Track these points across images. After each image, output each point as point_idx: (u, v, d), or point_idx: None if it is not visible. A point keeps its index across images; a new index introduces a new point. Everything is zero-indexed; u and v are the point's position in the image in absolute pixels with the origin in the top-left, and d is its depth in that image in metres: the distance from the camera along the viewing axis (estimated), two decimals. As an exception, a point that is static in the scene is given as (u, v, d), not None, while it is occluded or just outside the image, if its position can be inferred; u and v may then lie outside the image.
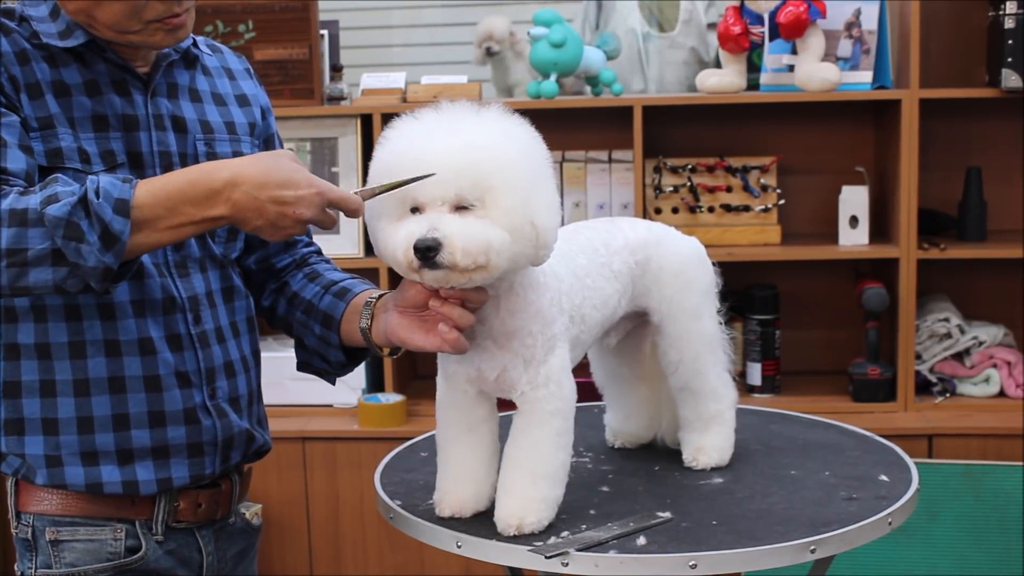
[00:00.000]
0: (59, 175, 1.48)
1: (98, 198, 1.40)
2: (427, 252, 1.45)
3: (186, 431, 1.64)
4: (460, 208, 1.47)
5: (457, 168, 1.46)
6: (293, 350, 1.84)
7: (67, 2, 1.55)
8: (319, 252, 1.89)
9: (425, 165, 1.47)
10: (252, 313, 1.78)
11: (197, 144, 1.67)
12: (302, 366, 1.83)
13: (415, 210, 1.49)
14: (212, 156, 1.67)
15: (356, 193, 1.50)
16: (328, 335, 1.75)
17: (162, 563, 1.66)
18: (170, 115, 1.65)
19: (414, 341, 1.60)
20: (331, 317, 1.74)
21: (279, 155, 1.49)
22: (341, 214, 1.52)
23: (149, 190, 1.43)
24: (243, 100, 1.78)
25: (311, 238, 1.91)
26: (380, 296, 1.69)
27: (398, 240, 1.49)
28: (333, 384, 1.89)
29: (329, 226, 1.53)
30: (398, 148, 1.51)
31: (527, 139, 1.53)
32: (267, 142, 1.82)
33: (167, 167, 1.62)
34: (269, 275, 1.84)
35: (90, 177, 1.43)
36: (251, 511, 1.82)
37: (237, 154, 1.71)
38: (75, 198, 1.40)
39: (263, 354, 1.83)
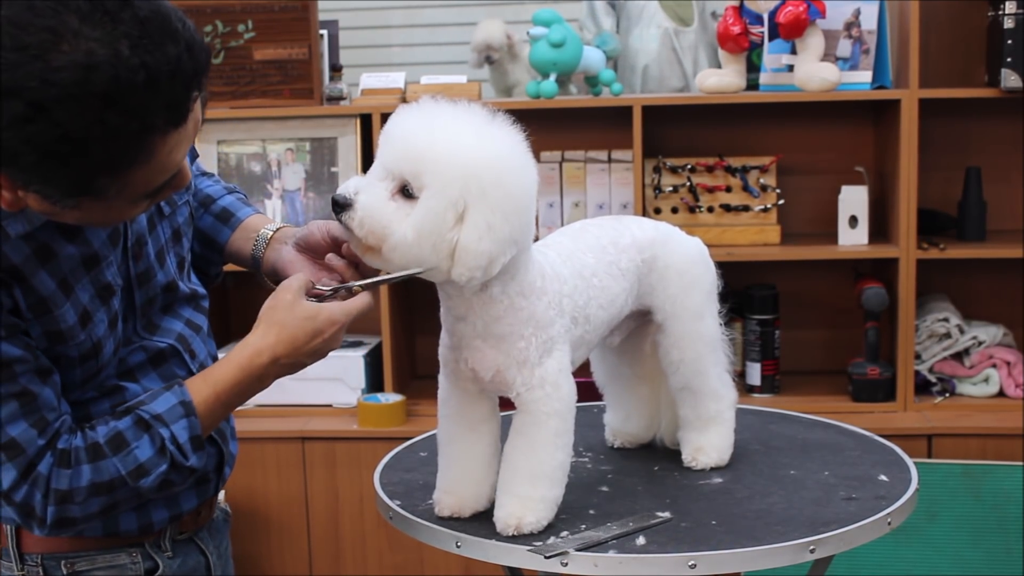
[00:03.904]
0: (123, 416, 1.45)
1: (184, 458, 1.46)
2: (336, 206, 1.48)
3: None
4: (406, 189, 1.47)
5: (402, 150, 1.47)
6: None
7: (35, 204, 1.31)
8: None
9: (388, 137, 1.50)
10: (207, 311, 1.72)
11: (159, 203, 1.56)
12: None
13: None
14: (171, 202, 1.58)
15: (359, 287, 1.54)
16: (210, 255, 1.73)
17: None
18: None
19: None
20: (213, 240, 1.72)
21: (292, 305, 1.49)
22: None
23: (207, 408, 1.48)
24: None
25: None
26: (278, 228, 1.67)
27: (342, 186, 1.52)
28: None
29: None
30: (387, 124, 1.53)
31: (497, 160, 1.47)
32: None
33: (138, 251, 1.52)
34: None
35: (161, 430, 1.44)
36: (222, 500, 1.80)
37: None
38: (164, 467, 1.45)
39: None
